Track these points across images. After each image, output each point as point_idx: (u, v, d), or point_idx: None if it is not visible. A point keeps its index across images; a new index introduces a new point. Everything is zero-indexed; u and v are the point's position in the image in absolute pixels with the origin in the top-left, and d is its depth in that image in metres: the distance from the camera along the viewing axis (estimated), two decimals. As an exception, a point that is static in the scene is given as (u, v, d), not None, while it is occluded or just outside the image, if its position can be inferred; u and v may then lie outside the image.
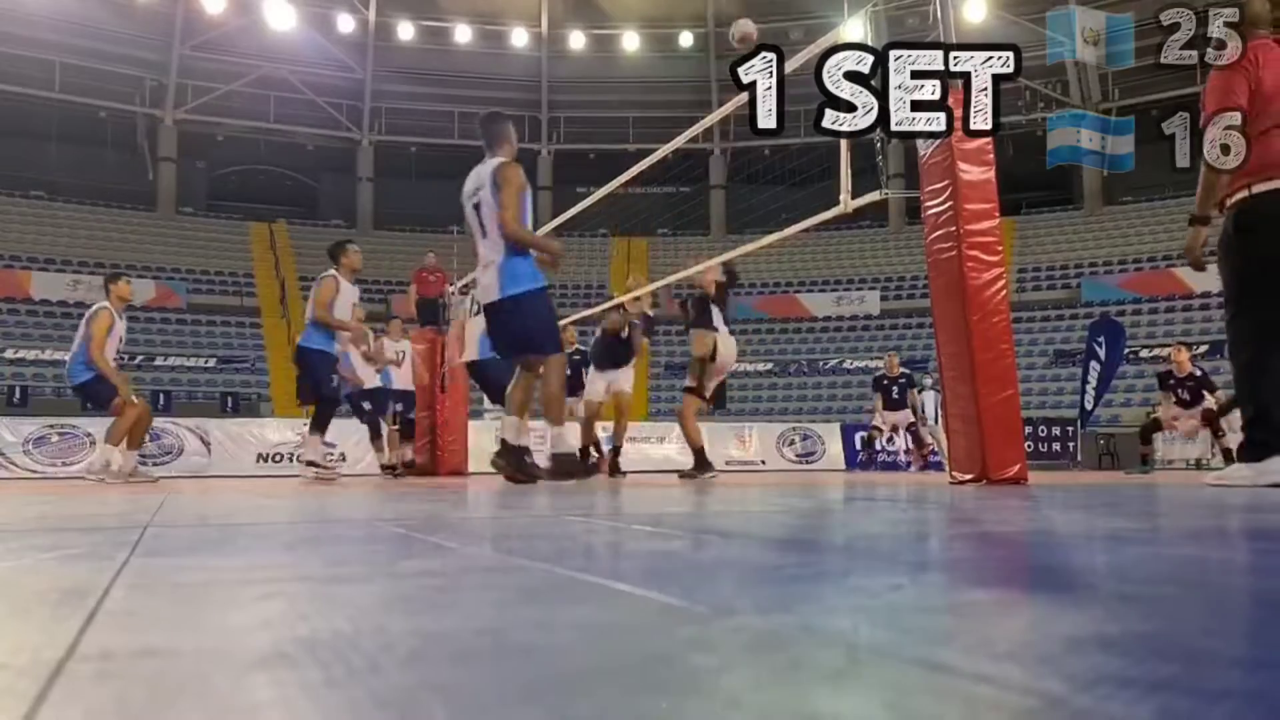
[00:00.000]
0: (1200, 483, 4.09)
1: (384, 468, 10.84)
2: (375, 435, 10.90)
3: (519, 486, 5.39)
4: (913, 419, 13.84)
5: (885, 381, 13.86)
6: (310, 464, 8.21)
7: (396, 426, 11.12)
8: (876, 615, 0.95)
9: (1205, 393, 10.61)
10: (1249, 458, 4.09)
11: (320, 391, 8.25)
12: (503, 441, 5.68)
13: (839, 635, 0.83)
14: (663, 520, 2.58)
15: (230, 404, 21.84)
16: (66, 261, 26.27)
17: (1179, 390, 10.65)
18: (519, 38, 32.45)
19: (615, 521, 2.57)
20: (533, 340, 5.46)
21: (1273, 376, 4.08)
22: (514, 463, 5.60)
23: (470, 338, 8.31)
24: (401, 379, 11.22)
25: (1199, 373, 10.90)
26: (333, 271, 8.28)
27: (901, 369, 14.03)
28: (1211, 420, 10.66)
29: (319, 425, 8.32)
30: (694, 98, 29.18)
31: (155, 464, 13.04)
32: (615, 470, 9.19)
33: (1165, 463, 15.59)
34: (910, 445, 14.38)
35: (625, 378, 9.23)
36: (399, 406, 11.17)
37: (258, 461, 13.93)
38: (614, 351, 9.22)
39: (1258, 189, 4.07)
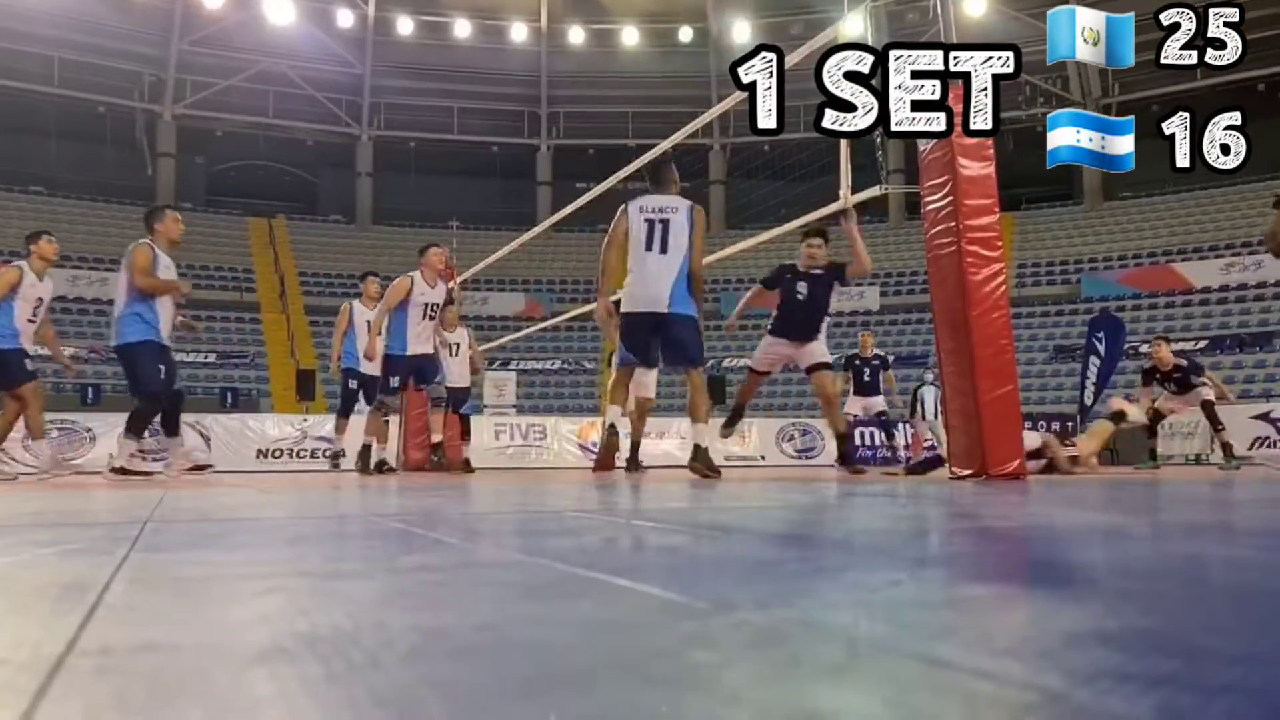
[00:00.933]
0: (1266, 472, 4.00)
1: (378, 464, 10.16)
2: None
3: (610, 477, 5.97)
4: (883, 408, 13.13)
5: (858, 362, 13.08)
6: (118, 470, 6.97)
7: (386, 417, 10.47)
8: (876, 611, 0.95)
9: (1194, 377, 10.52)
10: None
11: (142, 388, 7.06)
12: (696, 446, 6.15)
13: (839, 631, 0.83)
14: (663, 515, 2.58)
15: (230, 399, 21.83)
16: (65, 257, 26.10)
17: (1167, 384, 10.60)
18: (518, 33, 32.40)
19: (615, 517, 2.57)
20: (692, 353, 6.16)
21: None
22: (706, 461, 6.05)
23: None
24: (456, 374, 10.02)
25: (1184, 363, 10.83)
26: (148, 240, 7.12)
27: (876, 350, 13.31)
28: (1211, 413, 10.62)
29: (136, 428, 7.26)
30: (693, 93, 29.12)
31: (154, 459, 13.04)
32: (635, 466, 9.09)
33: (1165, 458, 15.60)
34: (884, 439, 13.80)
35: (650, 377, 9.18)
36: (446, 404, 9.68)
37: (257, 457, 13.93)
38: None
39: None
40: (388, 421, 9.30)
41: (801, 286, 6.99)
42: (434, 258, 8.72)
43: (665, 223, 5.99)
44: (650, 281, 5.98)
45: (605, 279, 6.30)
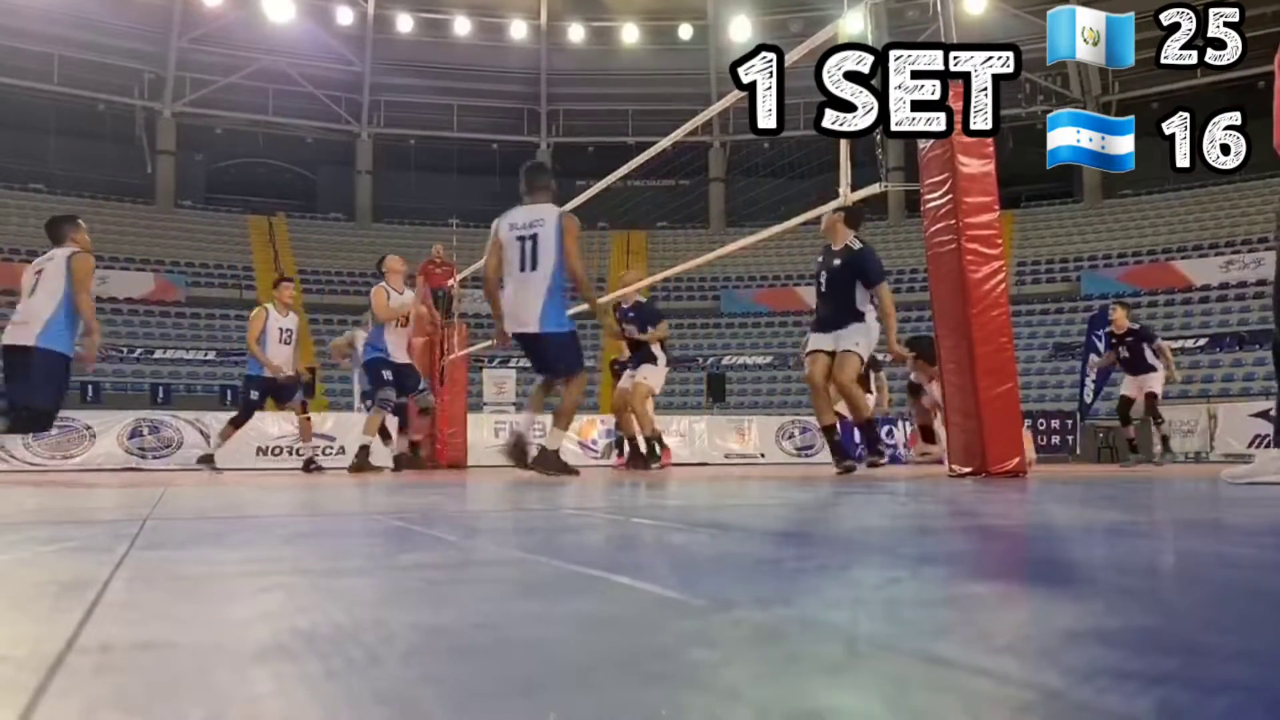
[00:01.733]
0: (1219, 478, 3.99)
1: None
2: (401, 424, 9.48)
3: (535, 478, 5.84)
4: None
5: None
6: None
7: (307, 414, 10.01)
8: (875, 609, 0.95)
9: (1146, 345, 10.73)
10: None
11: (38, 399, 6.64)
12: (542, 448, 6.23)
13: (838, 629, 0.83)
14: (662, 513, 2.58)
15: (229, 397, 21.82)
16: (65, 254, 26.21)
17: (1119, 349, 10.90)
18: (518, 30, 32.37)
19: (614, 515, 2.57)
20: (563, 367, 6.24)
21: None
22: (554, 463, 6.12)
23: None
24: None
25: (1136, 327, 11.16)
26: (77, 250, 6.98)
27: None
28: (1152, 407, 10.82)
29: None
30: (693, 90, 29.10)
31: (154, 457, 13.05)
32: (638, 463, 9.02)
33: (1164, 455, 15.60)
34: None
35: (641, 374, 9.10)
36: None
37: (257, 455, 13.92)
38: (634, 352, 9.23)
39: None
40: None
41: (823, 275, 6.64)
42: (394, 263, 8.97)
43: (534, 238, 6.04)
44: (519, 302, 6.07)
45: (494, 304, 6.29)
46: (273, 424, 14.51)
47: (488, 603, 1.01)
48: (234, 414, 10.05)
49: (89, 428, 13.16)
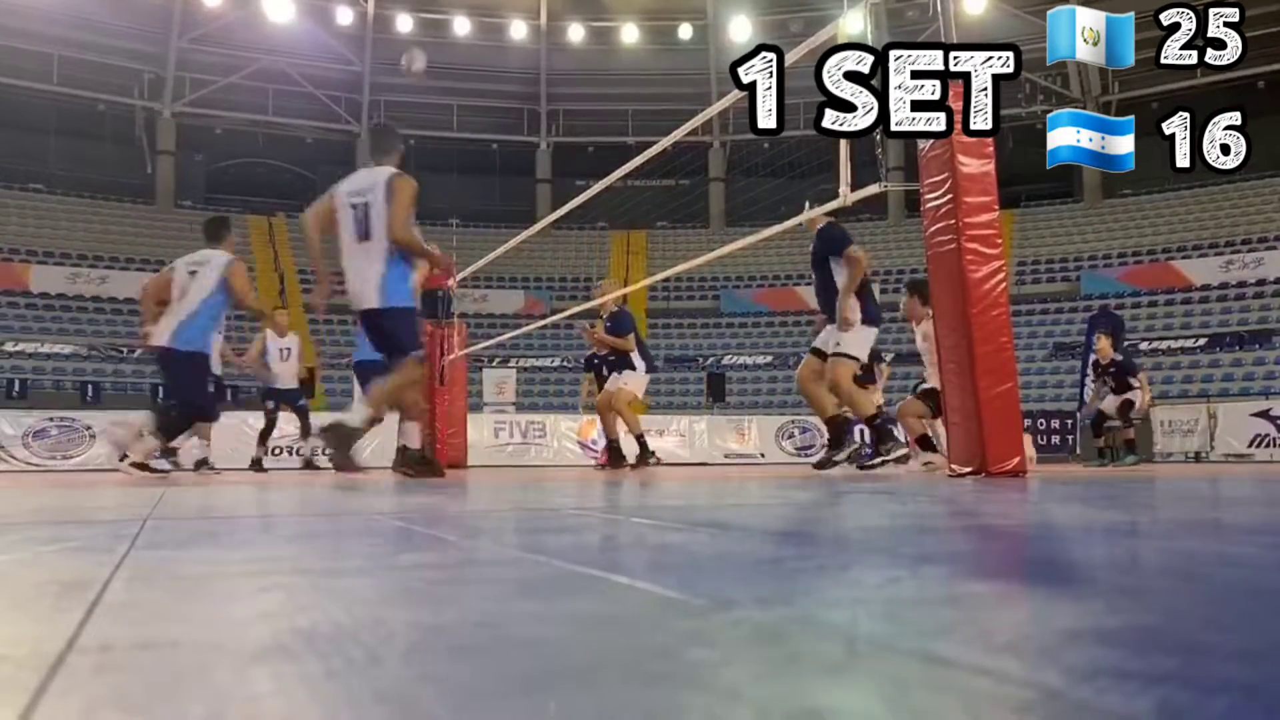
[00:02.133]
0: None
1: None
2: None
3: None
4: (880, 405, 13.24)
5: None
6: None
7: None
8: (875, 608, 0.95)
9: (1129, 378, 11.14)
10: None
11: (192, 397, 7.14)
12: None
13: (838, 628, 0.83)
14: (661, 513, 2.58)
15: (230, 398, 21.82)
16: (65, 255, 26.25)
17: (1105, 377, 11.31)
18: (518, 30, 32.37)
19: (614, 515, 2.57)
20: (402, 342, 5.60)
21: None
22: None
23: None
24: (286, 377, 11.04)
25: (1119, 358, 11.63)
26: (232, 258, 7.21)
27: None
28: (1124, 411, 11.10)
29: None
30: (693, 90, 29.10)
31: (154, 456, 13.02)
32: (619, 462, 9.35)
33: (1164, 455, 15.60)
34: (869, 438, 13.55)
35: (623, 380, 9.33)
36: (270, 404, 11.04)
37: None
38: (615, 359, 9.49)
39: None
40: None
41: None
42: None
43: (366, 205, 5.50)
44: (355, 274, 5.60)
45: (312, 254, 5.98)
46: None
47: (488, 602, 1.01)
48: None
49: (89, 428, 13.15)
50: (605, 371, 10.17)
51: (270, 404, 11.10)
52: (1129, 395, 11.16)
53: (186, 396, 6.96)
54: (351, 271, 5.62)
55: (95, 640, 0.79)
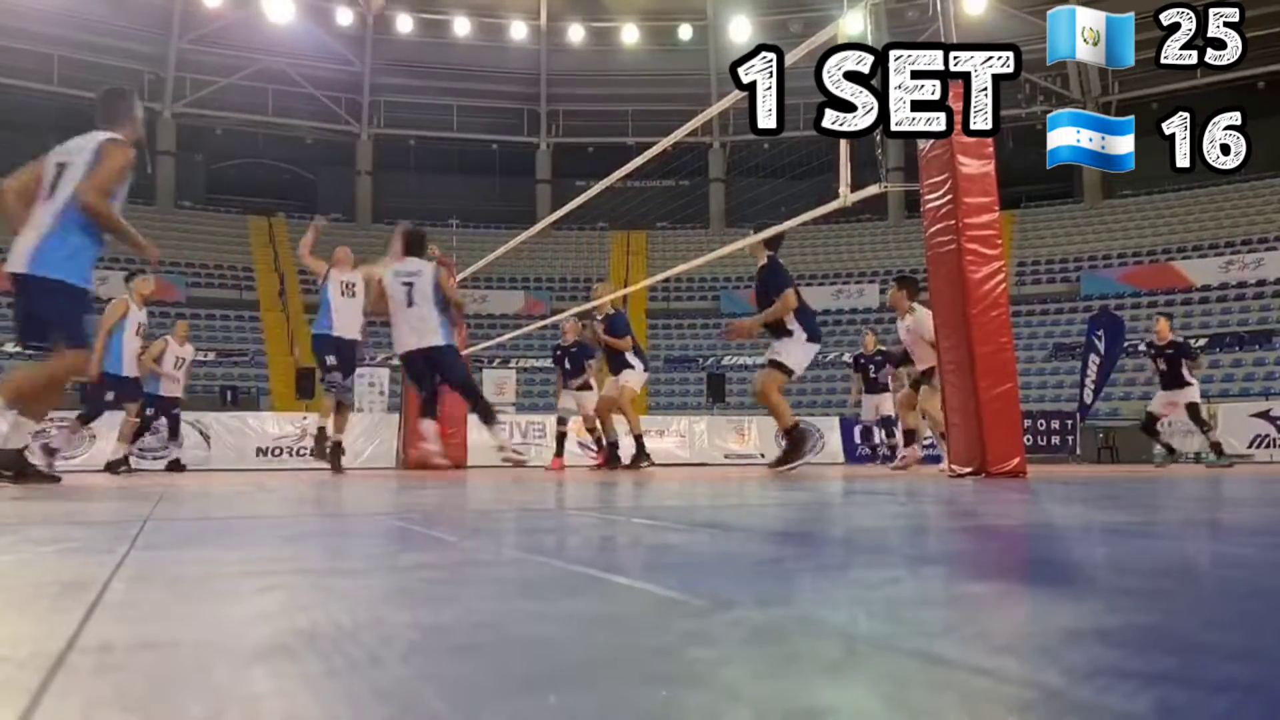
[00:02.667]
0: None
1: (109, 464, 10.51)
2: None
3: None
4: (890, 411, 12.62)
5: (863, 361, 13.21)
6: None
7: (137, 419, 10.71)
8: (875, 608, 0.95)
9: (1184, 360, 10.84)
10: None
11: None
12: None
13: (837, 628, 0.83)
14: (661, 513, 2.58)
15: (230, 397, 21.82)
16: (65, 255, 26.22)
17: (1159, 360, 11.01)
18: (518, 31, 32.37)
19: (613, 515, 2.57)
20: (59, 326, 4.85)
21: None
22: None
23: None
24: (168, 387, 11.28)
25: (1179, 340, 11.30)
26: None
27: (880, 347, 13.28)
28: (1195, 415, 10.89)
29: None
30: (693, 91, 29.11)
31: (154, 457, 13.04)
32: (616, 463, 9.52)
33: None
34: (883, 437, 13.54)
35: (623, 379, 9.49)
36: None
37: (257, 455, 13.93)
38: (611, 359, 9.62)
39: None
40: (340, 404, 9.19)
41: None
42: (340, 254, 9.44)
43: (64, 166, 4.97)
44: (22, 234, 4.91)
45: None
46: (272, 424, 14.52)
47: (488, 602, 1.01)
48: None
49: (89, 428, 13.12)
50: (568, 365, 10.42)
51: (151, 409, 11.01)
52: (1189, 396, 10.79)
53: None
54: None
55: (95, 640, 0.79)
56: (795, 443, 7.07)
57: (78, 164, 4.92)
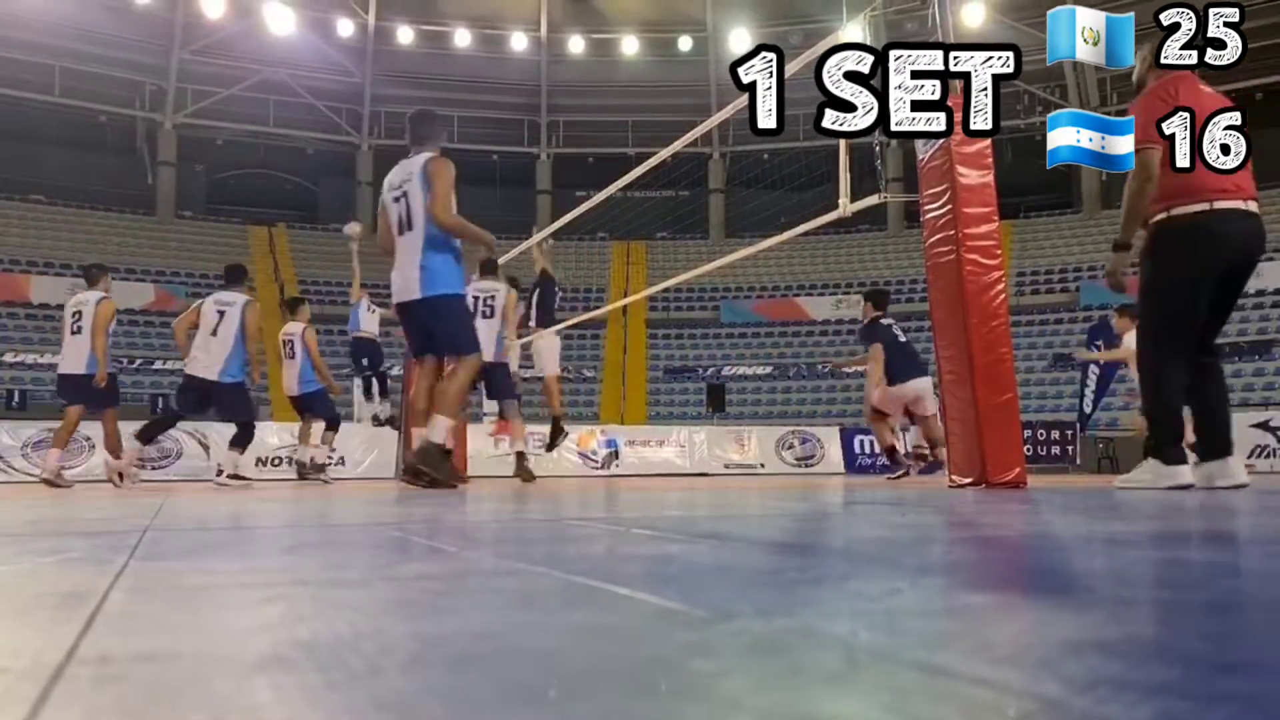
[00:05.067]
0: (1111, 485, 4.44)
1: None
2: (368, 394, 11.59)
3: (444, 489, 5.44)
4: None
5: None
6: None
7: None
8: (876, 619, 0.95)
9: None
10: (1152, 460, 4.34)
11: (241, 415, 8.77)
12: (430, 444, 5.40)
13: (838, 639, 0.83)
14: (662, 524, 2.58)
15: (229, 408, 21.79)
16: (66, 265, 26.26)
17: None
18: (518, 42, 32.48)
19: (614, 525, 2.57)
20: (455, 341, 5.46)
21: (1165, 389, 4.32)
22: (440, 463, 5.39)
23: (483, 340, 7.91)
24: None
25: None
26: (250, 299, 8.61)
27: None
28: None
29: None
30: (693, 102, 29.20)
31: (154, 468, 13.04)
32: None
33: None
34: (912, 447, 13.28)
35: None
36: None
37: (257, 465, 13.91)
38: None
39: (1175, 212, 4.32)
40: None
41: None
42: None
43: (405, 195, 5.53)
44: (397, 268, 5.48)
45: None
46: (272, 435, 14.51)
47: (488, 613, 1.01)
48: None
49: (88, 438, 13.12)
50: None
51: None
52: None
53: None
54: (396, 266, 5.49)
55: (95, 651, 0.79)
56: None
57: (414, 191, 5.49)
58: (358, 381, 12.89)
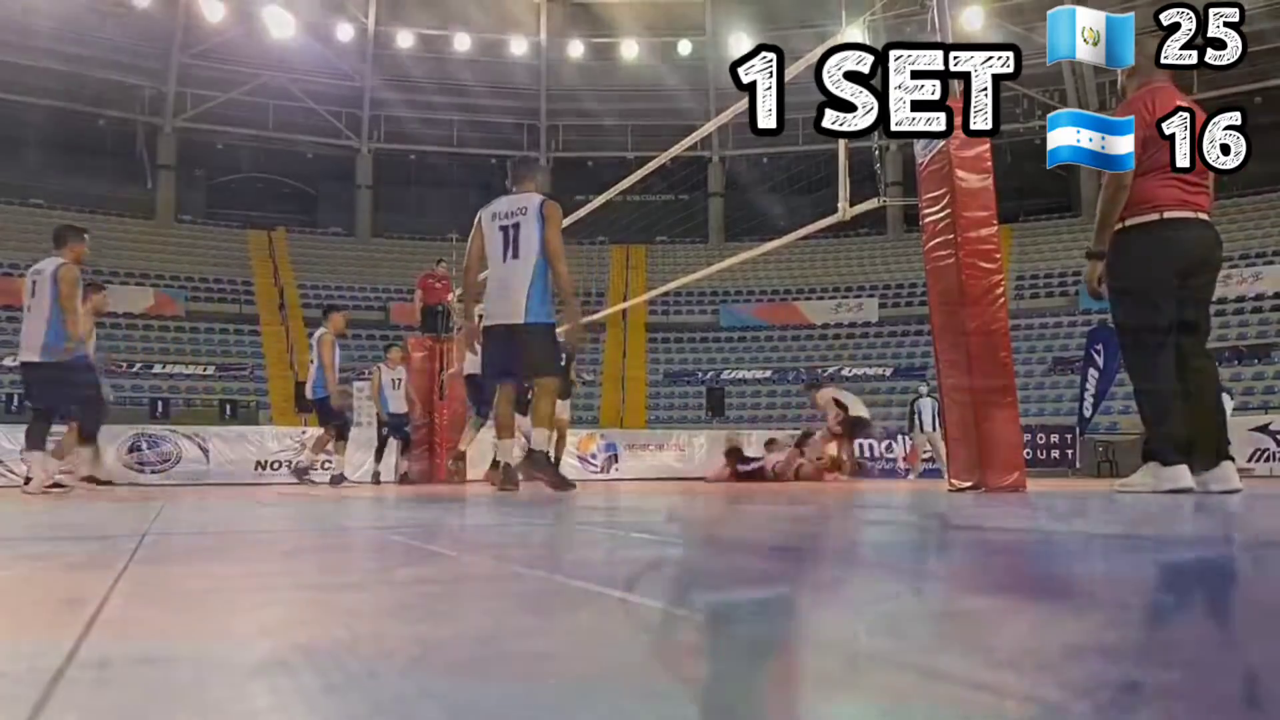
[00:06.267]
0: (1110, 489, 4.46)
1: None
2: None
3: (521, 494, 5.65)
4: None
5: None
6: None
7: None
8: (875, 622, 0.95)
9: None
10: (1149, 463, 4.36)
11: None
12: (531, 452, 5.94)
13: (837, 642, 0.83)
14: (660, 527, 2.58)
15: (229, 411, 21.81)
16: (65, 269, 26.26)
17: None
18: (518, 46, 32.50)
19: (613, 529, 2.57)
20: (543, 365, 5.86)
21: (1151, 392, 4.34)
22: (550, 470, 5.91)
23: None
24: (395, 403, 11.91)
25: None
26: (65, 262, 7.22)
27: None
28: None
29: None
30: (692, 106, 29.23)
31: (153, 471, 13.04)
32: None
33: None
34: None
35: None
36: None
37: (256, 469, 13.91)
38: None
39: (1130, 222, 4.34)
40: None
41: None
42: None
43: (516, 226, 5.78)
44: (499, 292, 5.80)
45: (467, 298, 6.43)
46: (272, 440, 14.51)
47: (486, 617, 1.01)
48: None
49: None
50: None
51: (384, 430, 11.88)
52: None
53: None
54: (495, 289, 5.85)
55: (94, 656, 0.79)
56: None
57: (527, 223, 5.74)
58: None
